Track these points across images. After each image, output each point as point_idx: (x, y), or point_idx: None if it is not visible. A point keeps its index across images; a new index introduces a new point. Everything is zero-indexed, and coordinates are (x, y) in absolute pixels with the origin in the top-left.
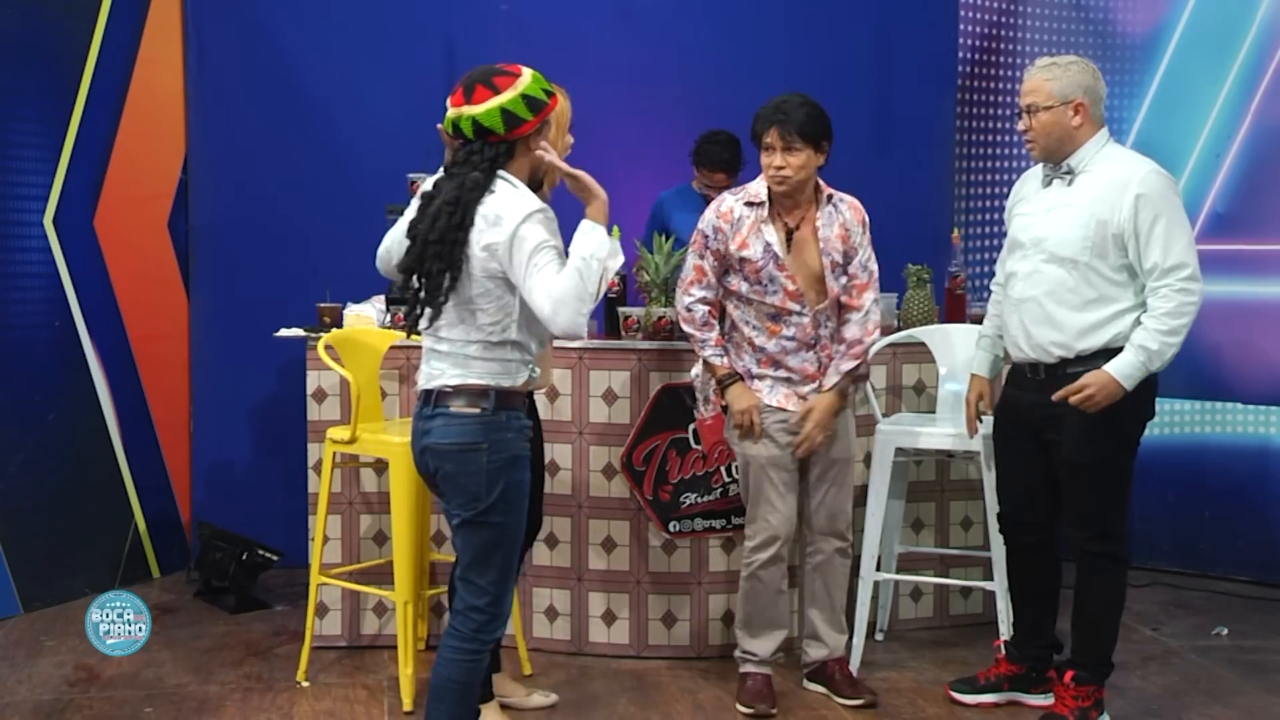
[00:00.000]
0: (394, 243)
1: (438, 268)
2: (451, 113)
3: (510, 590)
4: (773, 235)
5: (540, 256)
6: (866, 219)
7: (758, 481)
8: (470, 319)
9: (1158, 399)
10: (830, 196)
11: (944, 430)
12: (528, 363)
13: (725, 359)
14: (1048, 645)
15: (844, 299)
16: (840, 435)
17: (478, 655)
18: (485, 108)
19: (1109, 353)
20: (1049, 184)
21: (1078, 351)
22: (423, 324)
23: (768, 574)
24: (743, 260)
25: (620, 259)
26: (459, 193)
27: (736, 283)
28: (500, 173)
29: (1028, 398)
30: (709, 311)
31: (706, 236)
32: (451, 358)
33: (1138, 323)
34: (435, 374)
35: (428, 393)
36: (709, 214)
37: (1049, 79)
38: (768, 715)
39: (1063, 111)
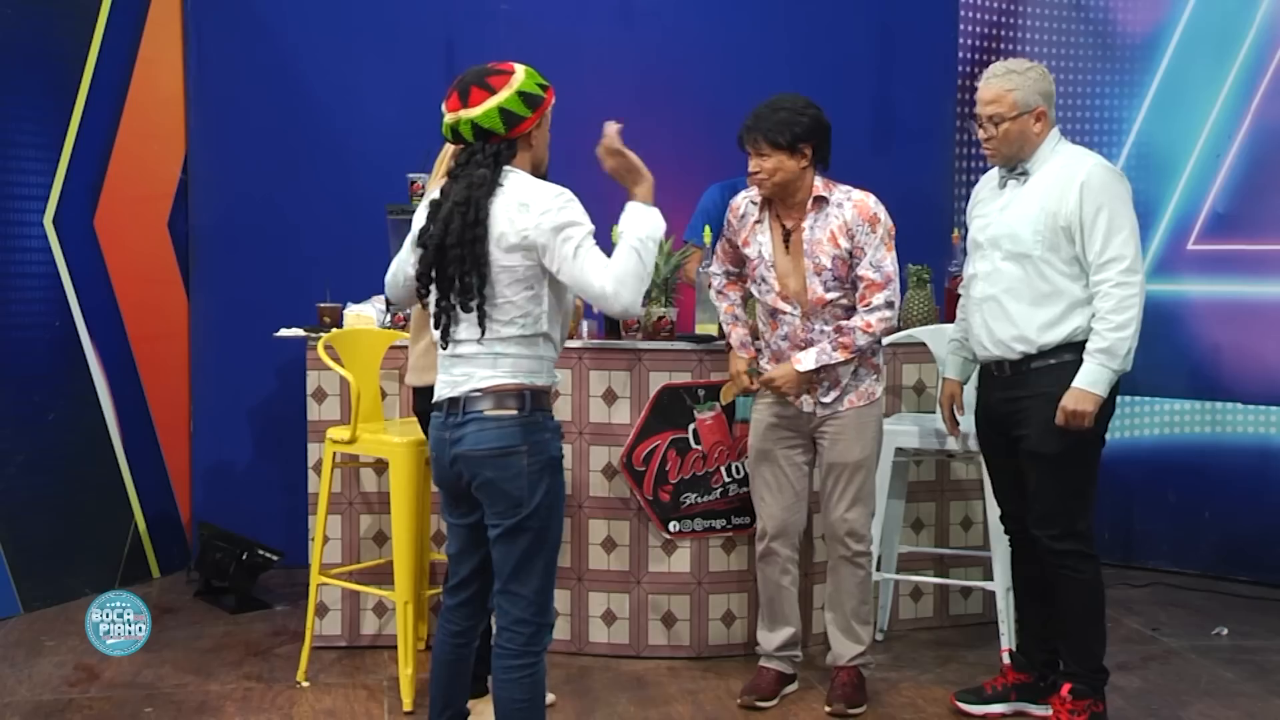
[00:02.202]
0: (402, 263)
1: (462, 270)
2: (449, 118)
3: (553, 597)
4: (765, 236)
5: (586, 240)
6: (879, 217)
7: (752, 474)
8: (498, 314)
9: (1158, 399)
10: (825, 200)
11: (943, 430)
12: (554, 363)
13: (730, 327)
14: (1054, 651)
15: (857, 301)
16: (839, 441)
17: (533, 668)
18: (483, 109)
19: (1071, 347)
20: (1004, 185)
21: (1039, 346)
22: (463, 333)
23: (766, 566)
24: (745, 256)
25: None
26: (469, 192)
27: (749, 279)
28: (508, 168)
29: (994, 395)
30: (726, 283)
31: (724, 226)
32: (478, 360)
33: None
34: (459, 380)
35: (453, 400)
36: (728, 207)
37: (1011, 89)
38: (752, 706)
39: (1026, 120)
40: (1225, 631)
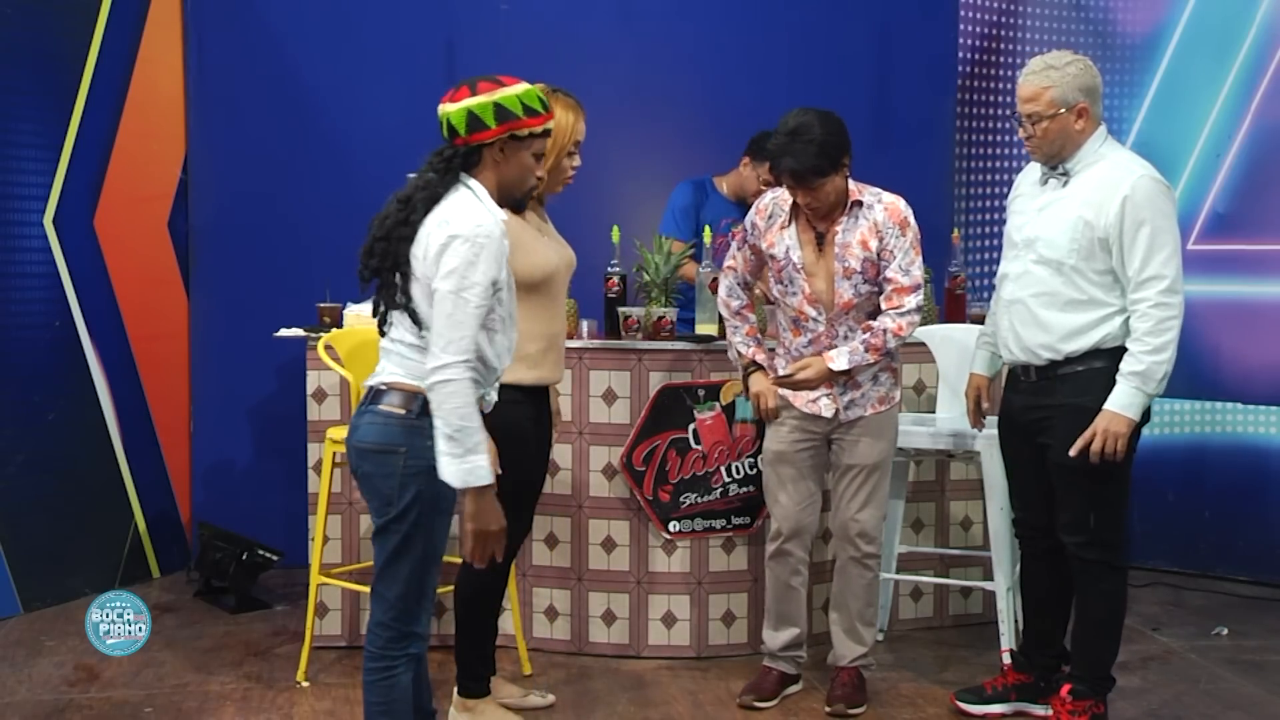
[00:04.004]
0: None
1: (386, 265)
2: (439, 110)
3: (423, 610)
4: (793, 238)
5: (464, 296)
6: (909, 221)
7: (767, 475)
8: (410, 316)
9: (1159, 399)
10: (858, 203)
11: (944, 430)
12: (476, 381)
13: (752, 348)
14: (1057, 655)
15: (882, 302)
16: (857, 443)
17: (388, 673)
18: (457, 106)
19: (1097, 354)
20: (1046, 182)
21: (1066, 354)
22: (388, 325)
23: (776, 566)
24: (771, 258)
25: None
26: (412, 192)
27: (771, 281)
28: (465, 177)
29: (1020, 400)
30: (747, 305)
31: (746, 231)
32: (390, 355)
33: (1125, 325)
34: (379, 371)
35: (369, 388)
36: (752, 209)
37: (1048, 85)
38: (751, 706)
39: (1066, 118)
40: (1225, 631)
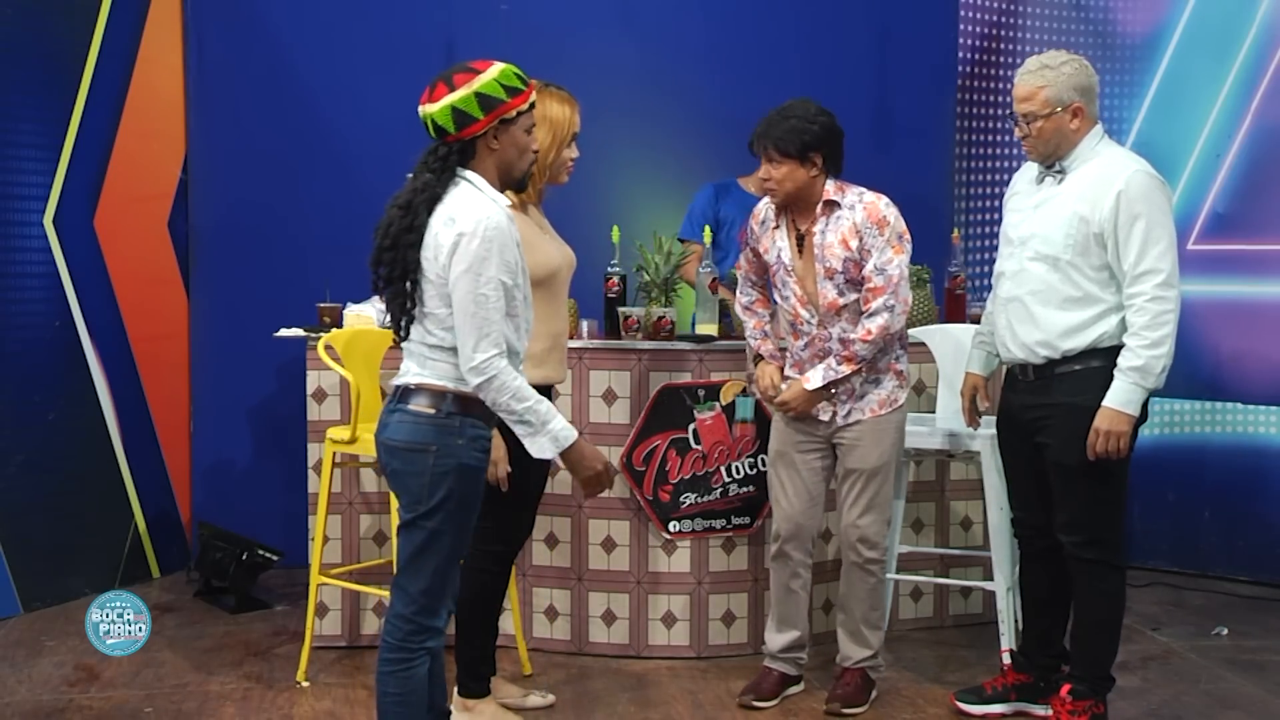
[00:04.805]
0: None
1: (396, 274)
2: (420, 111)
3: (444, 606)
4: (783, 240)
5: (483, 292)
6: (888, 219)
7: (770, 474)
8: (428, 321)
9: (1158, 399)
10: (835, 204)
11: (943, 430)
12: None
13: (758, 341)
14: (1057, 655)
15: (861, 304)
16: (857, 447)
17: (408, 664)
18: (439, 106)
19: (1095, 353)
20: (1041, 180)
21: (1063, 352)
22: (401, 332)
23: (777, 568)
24: (766, 263)
25: (538, 446)
26: (411, 196)
27: (771, 288)
28: (462, 171)
29: (1019, 400)
30: (756, 300)
31: (746, 234)
32: (415, 356)
33: (1122, 324)
34: (404, 371)
35: (396, 388)
36: (751, 214)
37: (1042, 85)
38: (750, 706)
39: (1061, 118)
40: (1225, 631)
